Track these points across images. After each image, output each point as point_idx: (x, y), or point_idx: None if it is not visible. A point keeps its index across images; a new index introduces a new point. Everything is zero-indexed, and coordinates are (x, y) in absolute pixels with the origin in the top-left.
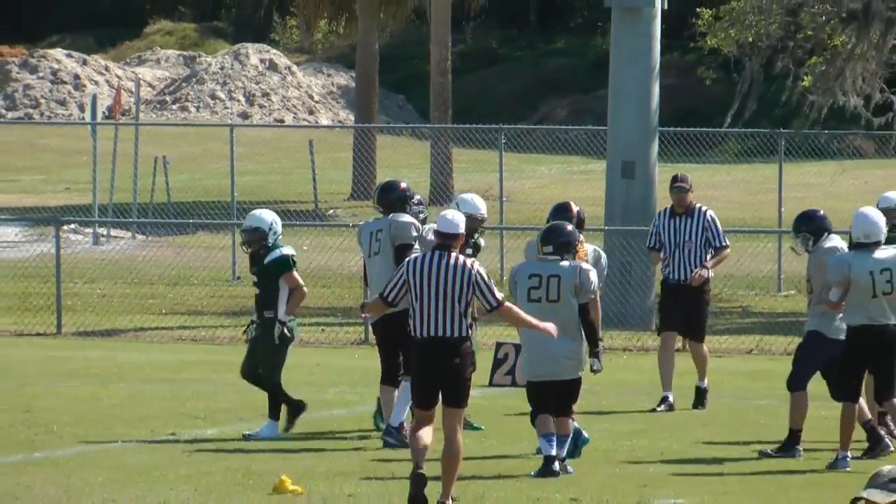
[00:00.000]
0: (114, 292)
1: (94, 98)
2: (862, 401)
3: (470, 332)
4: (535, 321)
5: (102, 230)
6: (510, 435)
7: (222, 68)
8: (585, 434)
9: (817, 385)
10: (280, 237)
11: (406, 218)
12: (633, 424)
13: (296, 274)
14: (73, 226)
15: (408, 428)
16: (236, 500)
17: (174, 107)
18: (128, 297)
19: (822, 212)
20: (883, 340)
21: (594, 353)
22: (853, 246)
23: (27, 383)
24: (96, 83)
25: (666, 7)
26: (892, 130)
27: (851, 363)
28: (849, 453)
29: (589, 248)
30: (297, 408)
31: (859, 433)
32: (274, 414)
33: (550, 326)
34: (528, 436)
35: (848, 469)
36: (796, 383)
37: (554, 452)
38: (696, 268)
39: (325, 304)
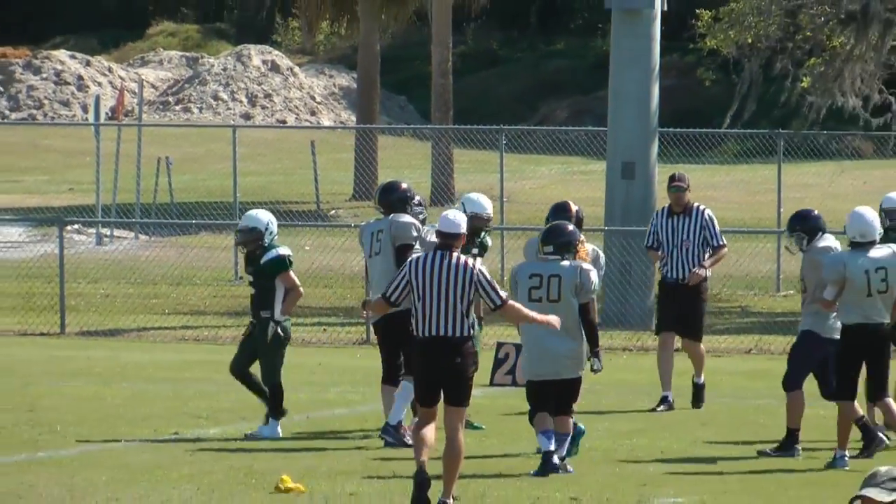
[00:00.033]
0: (117, 292)
1: (98, 99)
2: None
3: (472, 331)
4: (537, 315)
5: (106, 230)
6: (511, 434)
7: (225, 69)
8: (581, 425)
9: (815, 384)
10: (276, 237)
11: (406, 218)
12: (633, 424)
13: (292, 274)
14: (76, 226)
15: (405, 427)
16: (238, 498)
17: (177, 108)
18: (131, 297)
19: (816, 211)
20: (877, 339)
21: (594, 353)
22: (849, 245)
23: (31, 383)
24: (100, 84)
25: (665, 9)
26: (890, 131)
27: (847, 362)
28: (847, 452)
29: (588, 247)
30: (276, 413)
31: (857, 432)
32: (275, 413)
33: (553, 318)
34: (529, 435)
35: (846, 468)
36: (792, 383)
37: (552, 448)
38: (693, 267)
39: (326, 304)
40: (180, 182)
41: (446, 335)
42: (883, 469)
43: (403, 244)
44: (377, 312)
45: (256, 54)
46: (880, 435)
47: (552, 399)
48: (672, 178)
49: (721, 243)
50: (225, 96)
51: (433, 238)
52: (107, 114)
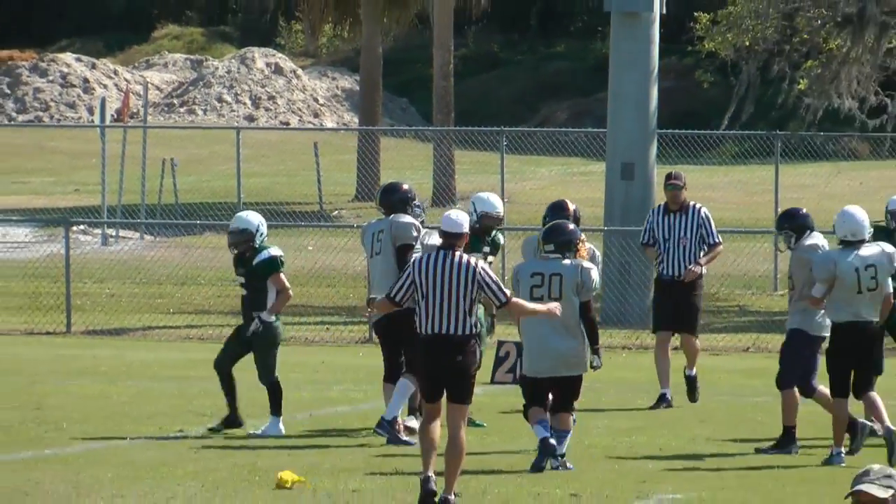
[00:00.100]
0: (122, 292)
1: (103, 101)
2: (827, 391)
3: (475, 330)
4: (540, 306)
5: (111, 231)
6: (511, 432)
7: (229, 72)
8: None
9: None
10: (266, 238)
11: (407, 219)
12: (632, 421)
13: (282, 276)
14: (82, 227)
15: (401, 423)
16: (242, 495)
17: (181, 110)
18: (136, 296)
19: (804, 210)
20: (866, 337)
21: (594, 350)
22: (839, 243)
23: (37, 381)
24: (105, 87)
25: (664, 11)
26: (886, 132)
27: (838, 360)
28: (843, 449)
29: (586, 245)
30: (232, 421)
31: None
32: (276, 411)
33: (553, 306)
34: (529, 433)
35: (843, 464)
36: (785, 382)
37: (548, 434)
38: (689, 264)
39: (329, 303)
40: (185, 183)
41: (449, 333)
42: (876, 467)
43: (404, 244)
44: (382, 312)
45: (260, 57)
46: (861, 420)
47: (546, 395)
48: (668, 177)
49: (717, 241)
50: (229, 98)
51: (431, 241)
52: (112, 116)
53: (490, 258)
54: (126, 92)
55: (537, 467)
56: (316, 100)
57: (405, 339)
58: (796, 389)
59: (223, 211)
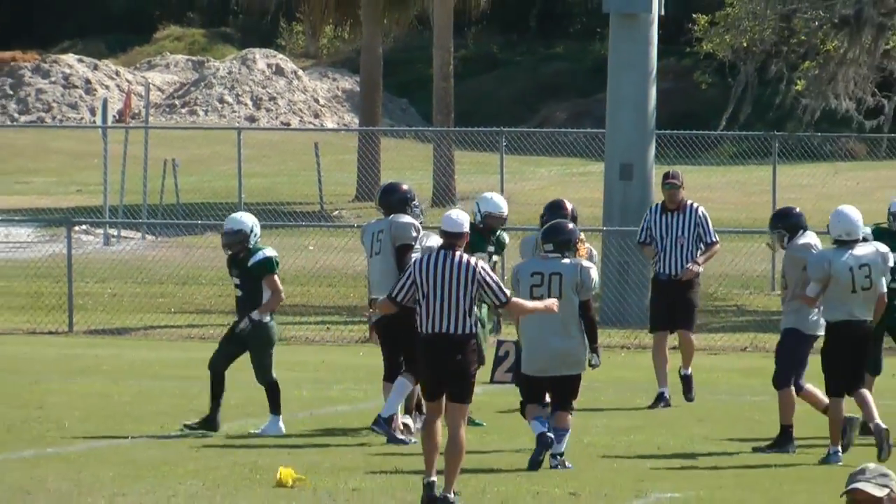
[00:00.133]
0: (124, 292)
1: (105, 102)
2: (815, 389)
3: (475, 329)
4: (538, 304)
5: (113, 231)
6: (510, 431)
7: (230, 73)
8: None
9: (817, 383)
10: (259, 239)
11: (406, 219)
12: (631, 420)
13: (276, 278)
14: (84, 227)
15: (397, 421)
16: (243, 494)
17: (183, 110)
18: (138, 296)
19: (797, 209)
20: (860, 337)
21: (593, 349)
22: (833, 243)
23: (40, 380)
24: (107, 87)
25: (663, 13)
26: (883, 133)
27: (833, 359)
28: (840, 448)
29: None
30: (210, 423)
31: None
32: (275, 409)
33: (549, 302)
34: (528, 431)
35: (840, 463)
36: (781, 381)
37: (545, 429)
38: (686, 263)
39: (330, 302)
40: (186, 183)
41: (448, 332)
42: (871, 466)
43: (403, 244)
44: (384, 312)
45: (261, 58)
46: (848, 415)
47: (544, 392)
48: (666, 176)
49: (714, 240)
50: (230, 99)
51: (428, 243)
52: (114, 116)
53: (495, 258)
54: (128, 93)
55: (535, 462)
56: (316, 100)
57: (405, 339)
58: (793, 388)
59: (224, 211)
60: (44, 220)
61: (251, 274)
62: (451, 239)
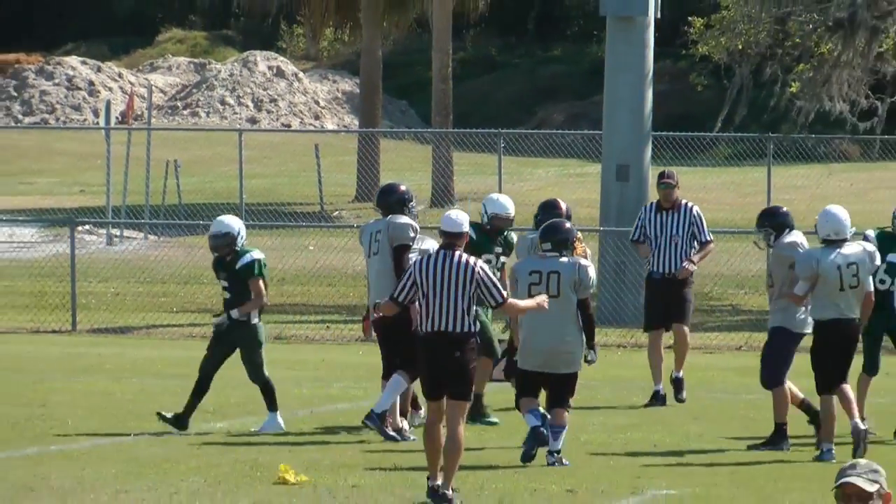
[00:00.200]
0: (127, 291)
1: (108, 104)
2: (790, 384)
3: (474, 328)
4: (529, 302)
5: (116, 231)
6: (508, 428)
7: (231, 75)
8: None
9: (806, 381)
10: (245, 241)
11: (404, 219)
12: (628, 418)
13: (261, 283)
14: (87, 227)
15: (391, 419)
16: (244, 491)
17: (185, 112)
18: (140, 295)
19: (784, 208)
20: (848, 335)
21: (590, 346)
22: (821, 242)
23: (43, 379)
24: (110, 89)
25: (659, 16)
26: (876, 135)
27: (823, 357)
28: (833, 445)
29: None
30: (181, 422)
31: (844, 426)
32: (272, 406)
33: (540, 298)
34: (526, 429)
35: (833, 461)
36: (773, 381)
37: (539, 423)
38: (681, 262)
39: (330, 302)
40: (188, 184)
41: (447, 330)
42: (862, 461)
43: (400, 244)
44: (386, 313)
45: (262, 60)
46: (862, 428)
47: (539, 388)
48: (661, 175)
49: (708, 239)
50: (231, 101)
51: (425, 245)
52: (117, 118)
53: (503, 259)
54: (130, 94)
55: (527, 455)
56: (317, 102)
57: (404, 338)
58: (787, 387)
59: (225, 211)
60: (47, 221)
61: (239, 276)
62: (451, 239)
